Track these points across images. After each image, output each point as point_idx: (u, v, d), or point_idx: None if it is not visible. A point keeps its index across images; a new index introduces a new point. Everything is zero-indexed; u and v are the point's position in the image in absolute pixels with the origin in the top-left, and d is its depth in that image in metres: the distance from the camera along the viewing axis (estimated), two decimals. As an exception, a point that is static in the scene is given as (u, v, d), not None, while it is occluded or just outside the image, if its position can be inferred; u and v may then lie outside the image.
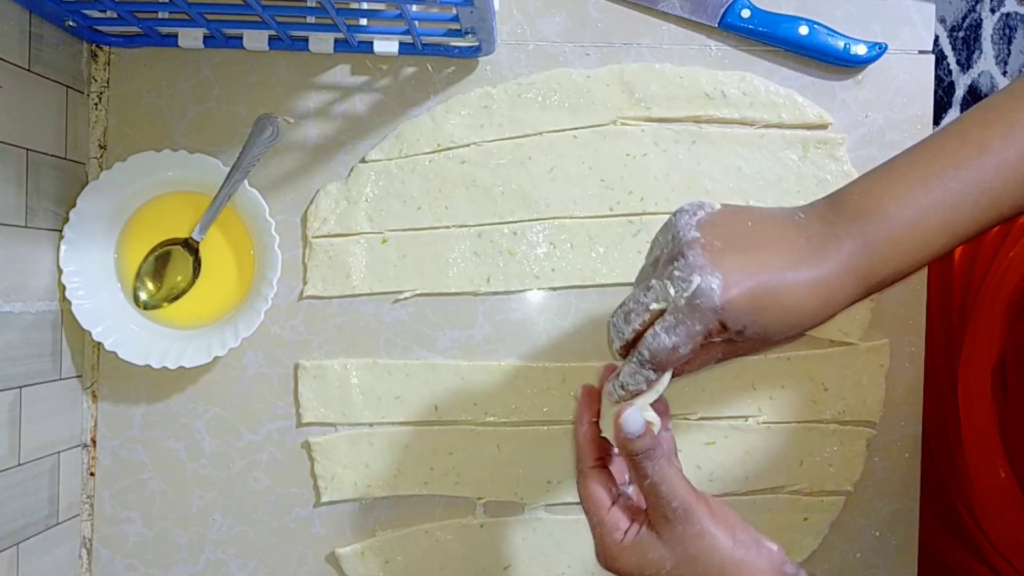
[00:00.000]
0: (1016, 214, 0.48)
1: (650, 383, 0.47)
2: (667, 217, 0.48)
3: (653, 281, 0.45)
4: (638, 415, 0.46)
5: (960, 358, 0.68)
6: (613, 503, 0.50)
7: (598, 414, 0.51)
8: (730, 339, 0.46)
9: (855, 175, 0.68)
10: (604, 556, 0.49)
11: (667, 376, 0.48)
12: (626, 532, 0.48)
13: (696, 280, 0.43)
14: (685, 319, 0.44)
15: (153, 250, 0.67)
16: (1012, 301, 0.64)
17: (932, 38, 0.69)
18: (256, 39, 0.66)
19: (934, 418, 0.72)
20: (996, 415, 0.63)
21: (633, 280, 0.51)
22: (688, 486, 0.47)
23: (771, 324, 0.44)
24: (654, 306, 0.45)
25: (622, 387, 0.47)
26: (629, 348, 0.47)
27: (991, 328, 0.64)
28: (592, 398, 0.51)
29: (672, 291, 0.44)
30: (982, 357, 0.65)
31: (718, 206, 0.47)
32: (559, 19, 0.69)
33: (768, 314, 0.44)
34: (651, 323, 0.46)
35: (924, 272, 0.69)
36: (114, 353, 0.64)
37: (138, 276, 0.66)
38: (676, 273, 0.44)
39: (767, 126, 0.69)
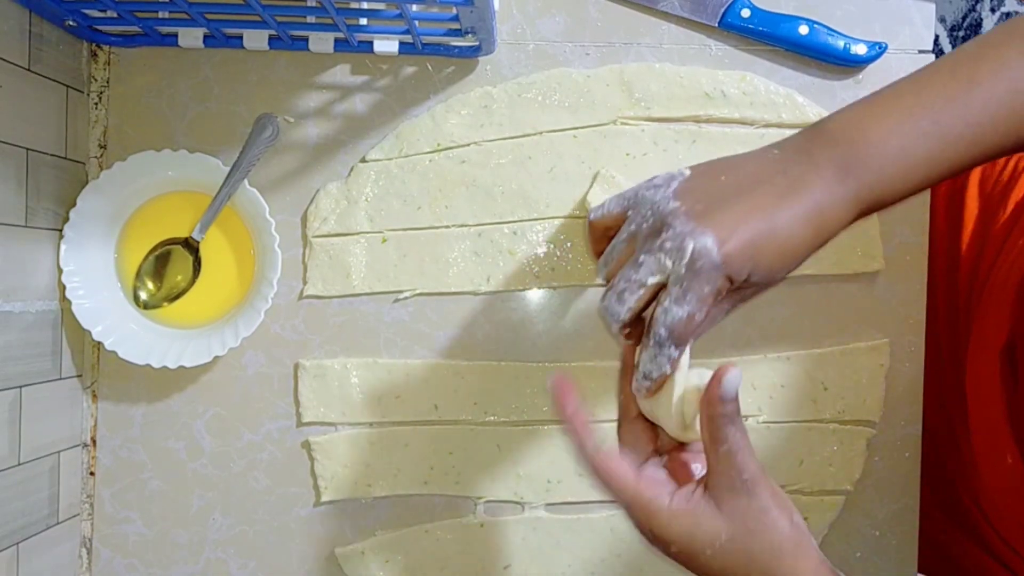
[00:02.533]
0: (1001, 153, 0.47)
1: (673, 363, 0.46)
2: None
3: (642, 256, 0.45)
4: (739, 374, 0.45)
5: (968, 345, 0.68)
6: (640, 470, 0.48)
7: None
8: (735, 289, 0.45)
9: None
10: (648, 525, 0.46)
11: (687, 348, 0.46)
12: (673, 495, 0.46)
13: (690, 244, 0.43)
14: (691, 285, 0.43)
15: (153, 250, 0.67)
16: (1022, 287, 0.64)
17: (932, 38, 0.69)
18: (256, 39, 0.66)
19: (939, 409, 0.72)
20: (1004, 401, 0.63)
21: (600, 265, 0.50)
22: (757, 460, 0.46)
23: (773, 263, 0.44)
24: (651, 280, 0.45)
25: (646, 377, 0.46)
26: (629, 327, 0.47)
27: (1000, 313, 0.64)
28: (568, 389, 0.50)
29: (669, 262, 0.44)
30: (991, 341, 0.65)
31: (688, 172, 0.46)
32: (559, 19, 0.69)
33: (768, 255, 0.44)
34: (649, 299, 0.45)
35: (925, 270, 0.69)
36: (114, 353, 0.64)
37: (138, 276, 0.66)
38: (667, 244, 0.44)
39: (767, 126, 0.69)
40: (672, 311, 0.44)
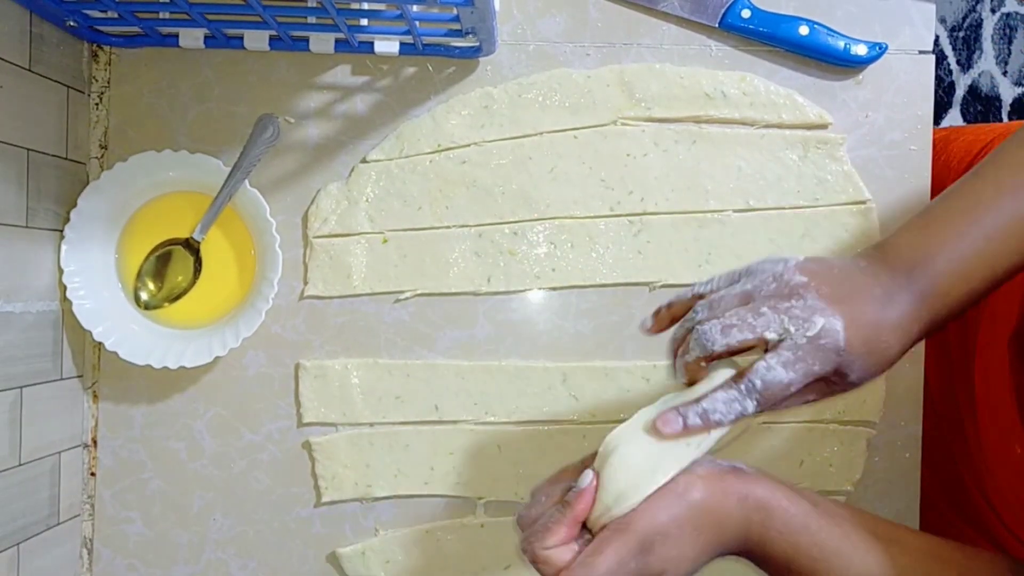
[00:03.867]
0: None
1: (738, 416, 0.46)
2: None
3: (764, 308, 0.46)
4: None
5: (977, 335, 0.68)
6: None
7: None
8: (830, 380, 0.47)
9: (855, 175, 0.68)
10: None
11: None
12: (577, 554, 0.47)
13: (820, 321, 0.45)
14: (805, 356, 0.45)
15: (154, 250, 0.67)
16: None
17: (932, 38, 0.69)
18: (257, 39, 0.66)
19: (947, 401, 0.72)
20: (1013, 390, 0.63)
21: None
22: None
23: (872, 366, 0.46)
24: (767, 334, 0.46)
25: (705, 414, 0.46)
26: (706, 360, 0.48)
27: (1009, 302, 0.64)
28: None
29: (792, 328, 0.45)
30: (1000, 330, 0.65)
31: (800, 258, 0.49)
32: (559, 19, 0.69)
33: (873, 357, 0.46)
34: (744, 349, 0.47)
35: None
36: (115, 353, 0.64)
37: (139, 276, 0.66)
38: (795, 312, 0.45)
39: (767, 126, 0.69)
40: (775, 371, 0.45)
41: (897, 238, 0.50)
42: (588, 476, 0.47)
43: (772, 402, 0.46)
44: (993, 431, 0.65)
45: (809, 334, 0.45)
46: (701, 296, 0.50)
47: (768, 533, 0.47)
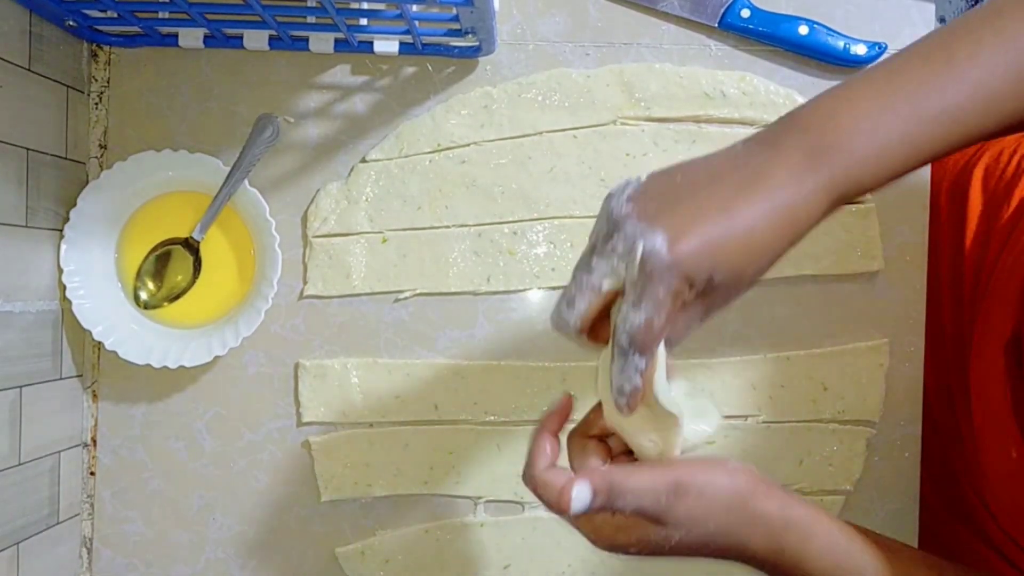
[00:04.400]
0: (982, 135, 0.45)
1: (643, 374, 0.43)
2: None
3: (594, 260, 0.43)
4: (583, 493, 0.44)
5: (973, 340, 0.68)
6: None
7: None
8: (702, 292, 0.42)
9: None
10: (598, 536, 0.47)
11: (661, 352, 0.44)
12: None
13: (640, 245, 0.40)
14: (645, 288, 0.41)
15: (153, 249, 0.67)
16: None
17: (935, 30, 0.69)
18: (256, 39, 0.66)
19: (944, 404, 0.72)
20: (1009, 395, 0.63)
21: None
22: (655, 474, 0.45)
23: (738, 263, 0.41)
24: (605, 285, 0.42)
25: (620, 392, 0.44)
26: (586, 331, 0.45)
27: (1005, 308, 0.64)
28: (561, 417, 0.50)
29: (622, 266, 0.41)
30: (995, 336, 0.65)
31: (644, 177, 0.44)
32: (559, 19, 0.69)
33: (729, 254, 0.41)
34: (603, 306, 0.44)
35: (924, 270, 0.69)
36: (114, 353, 0.64)
37: (138, 276, 0.66)
38: (619, 248, 0.42)
39: (767, 126, 0.68)
40: (630, 318, 0.41)
41: (802, 104, 0.45)
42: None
43: (649, 344, 0.42)
44: (989, 436, 0.65)
45: (636, 265, 0.41)
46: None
47: (807, 551, 0.46)
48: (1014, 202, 0.68)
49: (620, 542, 0.46)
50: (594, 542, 0.47)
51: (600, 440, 0.49)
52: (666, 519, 0.44)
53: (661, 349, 0.44)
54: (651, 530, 0.45)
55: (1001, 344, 0.63)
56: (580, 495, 0.44)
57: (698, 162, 0.44)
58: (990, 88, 0.44)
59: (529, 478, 0.47)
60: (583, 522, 0.47)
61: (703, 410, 0.46)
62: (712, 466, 0.45)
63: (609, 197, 0.44)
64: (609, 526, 0.46)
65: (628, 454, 0.49)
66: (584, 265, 0.44)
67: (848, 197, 0.44)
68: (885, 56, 0.68)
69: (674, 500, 0.44)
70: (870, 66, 0.47)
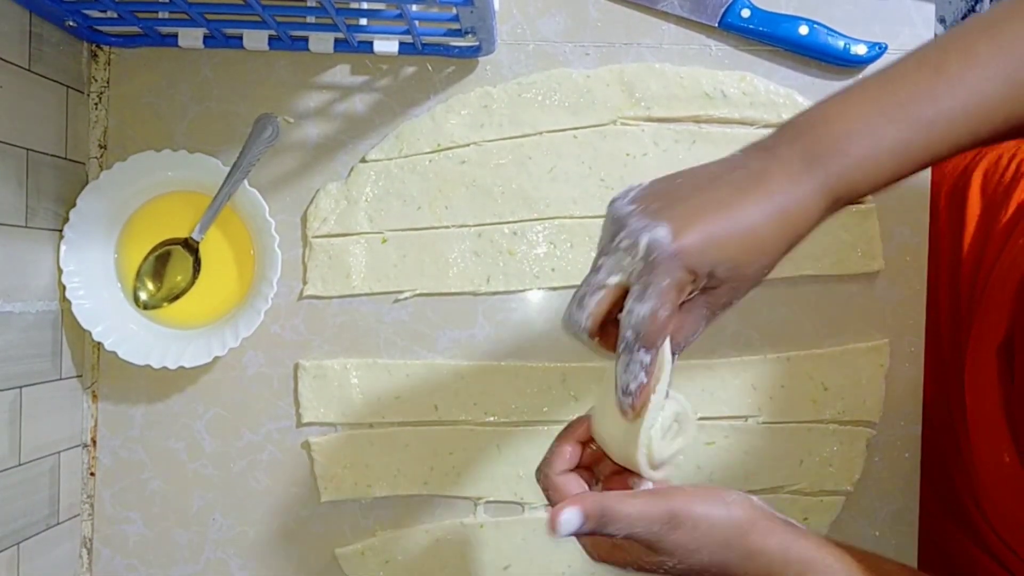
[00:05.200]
0: (975, 143, 0.46)
1: (648, 370, 0.43)
2: None
3: (600, 259, 0.44)
4: (572, 517, 0.44)
5: (969, 342, 0.68)
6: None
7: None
8: (707, 288, 0.43)
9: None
10: (595, 551, 0.48)
11: (666, 357, 0.44)
12: None
13: (644, 238, 0.42)
14: (650, 280, 0.42)
15: (153, 250, 0.67)
16: (1022, 286, 0.64)
17: (932, 38, 0.69)
18: (256, 39, 0.66)
19: (940, 407, 0.72)
20: (1001, 398, 0.63)
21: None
22: (652, 504, 0.45)
23: (739, 258, 0.43)
24: (612, 281, 0.43)
25: (625, 392, 0.44)
26: (596, 333, 0.45)
27: (999, 311, 0.64)
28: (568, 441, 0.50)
29: (626, 261, 0.42)
30: (989, 339, 0.65)
31: (647, 182, 0.45)
32: (559, 19, 0.69)
33: (730, 249, 0.42)
34: (613, 304, 0.44)
35: (924, 271, 0.69)
36: (114, 353, 0.64)
37: (138, 276, 0.66)
38: (624, 243, 0.43)
39: (767, 126, 0.68)
40: (635, 310, 0.42)
41: (799, 113, 0.46)
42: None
43: (655, 337, 0.43)
44: (982, 439, 0.65)
45: (640, 256, 0.42)
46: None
47: None
48: (1012, 206, 0.68)
49: (616, 559, 0.47)
50: (590, 555, 0.48)
51: (585, 448, 0.50)
52: (658, 548, 0.44)
53: (667, 356, 0.44)
54: (644, 554, 0.45)
55: (994, 347, 0.63)
56: (569, 519, 0.44)
57: (699, 168, 0.46)
58: (983, 95, 0.44)
59: (543, 476, 0.48)
60: (580, 535, 0.47)
61: (681, 418, 0.47)
62: (709, 497, 0.45)
63: (612, 202, 0.45)
64: (606, 543, 0.47)
65: (618, 474, 0.49)
66: (592, 268, 0.45)
67: (845, 200, 0.45)
68: (885, 57, 0.68)
69: (667, 530, 0.44)
70: (866, 73, 0.48)
